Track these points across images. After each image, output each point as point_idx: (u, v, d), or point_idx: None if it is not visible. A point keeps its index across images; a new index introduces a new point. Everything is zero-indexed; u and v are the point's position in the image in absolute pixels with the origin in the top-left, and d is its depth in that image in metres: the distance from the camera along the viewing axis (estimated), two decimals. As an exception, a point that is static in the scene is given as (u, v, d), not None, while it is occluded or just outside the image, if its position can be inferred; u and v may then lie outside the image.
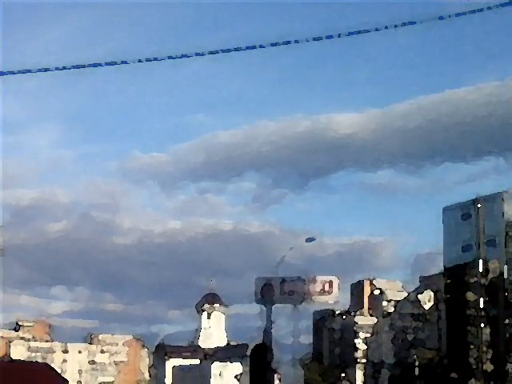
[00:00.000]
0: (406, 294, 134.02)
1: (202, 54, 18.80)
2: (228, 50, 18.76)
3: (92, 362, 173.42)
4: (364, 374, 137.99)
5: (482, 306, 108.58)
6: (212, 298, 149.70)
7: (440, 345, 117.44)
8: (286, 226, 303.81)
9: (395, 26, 18.68)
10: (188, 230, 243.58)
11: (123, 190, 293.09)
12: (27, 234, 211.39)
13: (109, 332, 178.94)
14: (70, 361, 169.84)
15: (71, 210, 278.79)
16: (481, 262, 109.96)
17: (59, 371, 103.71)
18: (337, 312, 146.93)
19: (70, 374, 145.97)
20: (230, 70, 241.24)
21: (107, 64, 18.84)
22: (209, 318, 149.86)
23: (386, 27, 18.71)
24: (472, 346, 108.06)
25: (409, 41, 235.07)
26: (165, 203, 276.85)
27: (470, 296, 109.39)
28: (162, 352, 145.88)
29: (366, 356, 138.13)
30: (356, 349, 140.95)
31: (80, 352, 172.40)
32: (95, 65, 18.79)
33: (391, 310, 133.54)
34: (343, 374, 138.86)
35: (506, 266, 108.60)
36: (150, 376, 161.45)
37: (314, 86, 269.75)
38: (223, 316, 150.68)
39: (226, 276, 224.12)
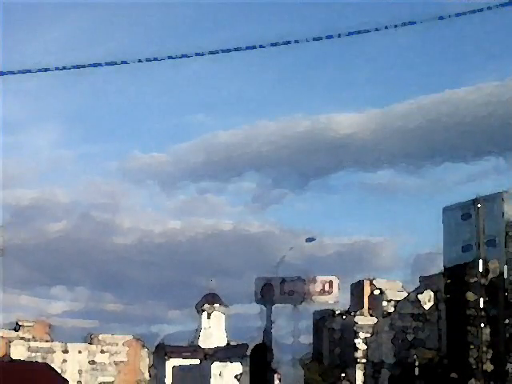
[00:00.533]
0: (405, 294, 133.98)
1: (202, 54, 18.81)
2: (228, 50, 18.77)
3: (92, 362, 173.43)
4: (364, 374, 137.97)
5: (482, 305, 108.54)
6: (212, 298, 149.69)
7: (440, 345, 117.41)
8: (286, 225, 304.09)
9: (395, 26, 18.69)
10: (188, 229, 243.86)
11: (123, 189, 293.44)
12: (27, 233, 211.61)
13: (109, 332, 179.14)
14: (69, 361, 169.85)
15: (71, 210, 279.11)
16: (481, 261, 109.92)
17: (59, 371, 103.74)
18: (337, 312, 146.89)
19: (70, 374, 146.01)
20: (230, 70, 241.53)
21: (107, 64, 18.84)
22: (209, 318, 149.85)
23: (386, 27, 18.72)
24: (472, 346, 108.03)
25: (409, 41, 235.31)
26: (165, 203, 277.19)
27: (470, 296, 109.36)
28: (162, 352, 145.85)
29: (366, 356, 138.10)
30: (356, 349, 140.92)
31: (80, 352, 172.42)
32: (95, 65, 18.80)
33: (391, 310, 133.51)
34: (343, 374, 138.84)
35: (506, 266, 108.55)
36: (149, 376, 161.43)
37: (314, 86, 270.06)
38: (223, 316, 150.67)
39: (226, 276, 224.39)
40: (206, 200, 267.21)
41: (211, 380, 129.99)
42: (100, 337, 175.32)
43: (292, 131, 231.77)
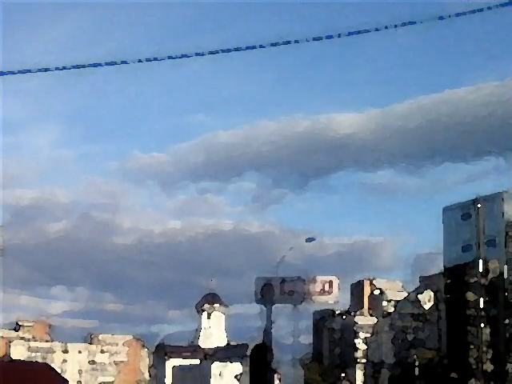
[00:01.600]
0: (405, 294, 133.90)
1: (202, 54, 18.80)
2: (228, 50, 18.76)
3: (92, 362, 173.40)
4: (364, 374, 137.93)
5: (482, 305, 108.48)
6: (212, 298, 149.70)
7: (440, 345, 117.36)
8: (286, 225, 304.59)
9: (395, 26, 18.69)
10: (188, 230, 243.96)
11: (123, 189, 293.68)
12: (27, 234, 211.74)
13: (109, 332, 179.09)
14: (69, 361, 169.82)
15: (71, 210, 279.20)
16: (481, 261, 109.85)
17: (59, 371, 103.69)
18: (337, 312, 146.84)
19: (70, 374, 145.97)
20: (230, 70, 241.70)
21: (107, 64, 18.84)
22: (209, 318, 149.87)
23: (386, 27, 18.72)
24: (472, 346, 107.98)
25: (409, 41, 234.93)
26: (165, 203, 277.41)
27: (470, 296, 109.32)
28: (162, 352, 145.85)
29: (366, 356, 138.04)
30: (356, 349, 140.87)
31: (80, 352, 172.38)
32: (95, 65, 18.79)
33: (391, 310, 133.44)
34: (343, 374, 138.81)
35: (506, 266, 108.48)
36: (150, 376, 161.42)
37: (314, 86, 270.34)
38: (223, 316, 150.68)
39: (226, 276, 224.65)
40: (206, 200, 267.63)
41: (211, 380, 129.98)
42: (100, 337, 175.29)
43: (292, 131, 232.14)
